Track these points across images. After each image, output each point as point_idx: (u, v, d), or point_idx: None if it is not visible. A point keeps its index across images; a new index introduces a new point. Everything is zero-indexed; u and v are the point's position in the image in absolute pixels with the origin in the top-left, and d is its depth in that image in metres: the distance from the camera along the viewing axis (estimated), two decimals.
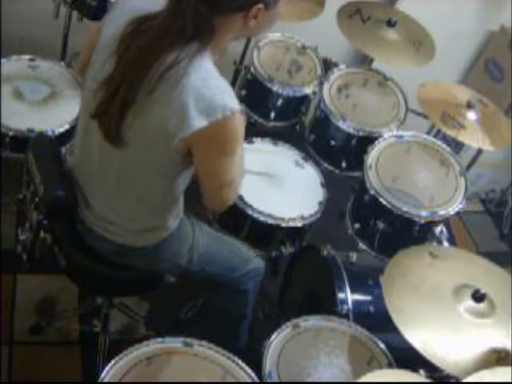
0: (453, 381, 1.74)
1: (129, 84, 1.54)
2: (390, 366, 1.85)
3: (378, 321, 2.05)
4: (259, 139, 2.55)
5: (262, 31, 1.70)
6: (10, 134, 2.20)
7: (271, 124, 2.84)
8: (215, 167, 1.65)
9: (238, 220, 2.31)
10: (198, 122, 1.52)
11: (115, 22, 1.62)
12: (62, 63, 2.54)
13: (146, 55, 1.53)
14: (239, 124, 1.58)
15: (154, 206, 1.79)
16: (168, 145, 1.57)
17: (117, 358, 1.60)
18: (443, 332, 1.71)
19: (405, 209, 2.32)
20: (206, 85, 1.54)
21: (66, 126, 2.26)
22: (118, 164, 1.69)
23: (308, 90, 2.79)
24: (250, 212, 2.26)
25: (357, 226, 2.48)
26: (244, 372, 1.67)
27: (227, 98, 1.54)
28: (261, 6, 1.55)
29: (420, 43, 2.79)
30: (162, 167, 1.67)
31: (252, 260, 2.12)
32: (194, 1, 1.49)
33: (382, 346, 1.90)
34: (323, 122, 2.72)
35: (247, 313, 2.23)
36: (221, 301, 2.19)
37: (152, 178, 1.70)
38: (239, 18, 1.57)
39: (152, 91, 1.53)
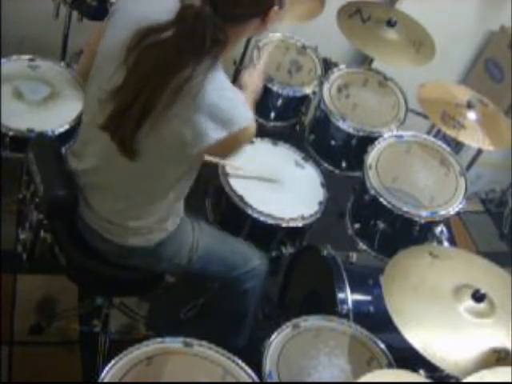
0: (453, 381, 1.74)
1: (146, 98, 1.52)
2: (390, 366, 1.85)
3: (377, 321, 2.05)
4: (259, 139, 2.55)
5: (269, 28, 1.70)
6: (10, 133, 2.20)
7: (271, 124, 2.84)
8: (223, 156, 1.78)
9: (238, 220, 2.30)
10: (216, 134, 1.55)
11: (119, 29, 1.60)
12: (62, 63, 2.53)
13: (164, 71, 1.51)
14: (253, 132, 1.65)
15: (156, 207, 1.79)
16: (184, 155, 1.60)
17: (117, 358, 1.60)
18: (443, 332, 1.71)
19: (405, 209, 2.32)
20: (222, 97, 1.55)
21: (66, 126, 2.26)
22: (123, 170, 1.69)
23: (308, 90, 2.79)
24: (249, 212, 2.26)
25: (357, 226, 2.48)
26: (244, 372, 1.68)
27: (243, 110, 1.59)
28: (276, 7, 1.56)
29: (420, 43, 2.79)
30: (171, 172, 1.68)
31: (253, 259, 2.12)
32: (211, 14, 1.48)
33: (382, 346, 1.90)
34: (323, 122, 2.72)
35: (248, 312, 2.23)
36: (222, 299, 2.20)
37: (158, 181, 1.71)
38: (256, 22, 1.58)
39: (170, 105, 1.52)
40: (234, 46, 1.61)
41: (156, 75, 1.52)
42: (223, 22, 1.50)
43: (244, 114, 1.57)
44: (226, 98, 1.56)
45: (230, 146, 1.63)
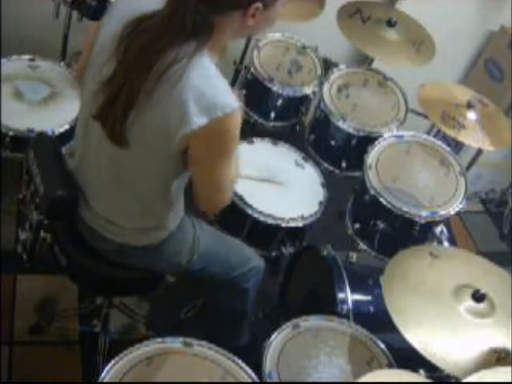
0: (453, 381, 1.74)
1: (131, 84, 1.54)
2: (390, 366, 1.85)
3: (378, 321, 2.05)
4: (259, 139, 2.56)
5: (260, 30, 1.70)
6: (10, 133, 2.20)
7: (271, 124, 2.84)
8: (211, 167, 1.65)
9: (238, 220, 2.31)
10: (199, 120, 1.52)
11: (112, 23, 1.62)
12: (62, 63, 2.54)
13: (147, 54, 1.53)
14: (238, 122, 1.58)
15: (154, 206, 1.79)
16: (169, 143, 1.58)
17: (117, 358, 1.60)
18: (443, 332, 1.71)
19: (405, 209, 2.32)
20: (207, 83, 1.54)
21: (66, 126, 2.26)
22: (117, 163, 1.69)
23: (308, 90, 2.79)
24: (250, 212, 2.26)
25: (357, 226, 2.48)
26: (244, 372, 1.68)
27: (227, 96, 1.55)
28: (259, 5, 1.55)
29: (420, 43, 2.79)
30: (162, 166, 1.67)
31: (252, 259, 2.12)
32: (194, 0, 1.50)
33: (382, 346, 1.90)
34: (323, 122, 2.72)
35: (247, 311, 2.23)
36: (222, 299, 2.20)
37: (151, 177, 1.70)
38: (237, 17, 1.57)
39: (153, 91, 1.53)
40: (223, 37, 1.60)
41: (140, 59, 1.53)
42: (207, 9, 1.51)
43: (228, 101, 1.53)
44: (210, 83, 1.55)
45: (216, 135, 1.57)
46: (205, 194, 1.72)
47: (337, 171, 2.74)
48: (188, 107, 1.52)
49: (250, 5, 1.55)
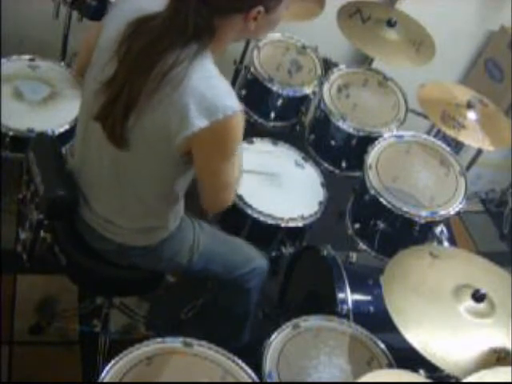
0: (453, 381, 1.74)
1: (131, 85, 1.54)
2: (390, 366, 1.85)
3: (378, 321, 2.05)
4: (259, 139, 2.55)
5: (261, 34, 1.71)
6: (10, 133, 2.20)
7: (271, 124, 2.84)
8: (215, 168, 1.65)
9: (238, 220, 2.31)
10: (200, 122, 1.52)
11: (114, 24, 1.62)
12: (62, 63, 2.53)
13: (148, 55, 1.53)
14: (240, 124, 1.58)
15: (154, 207, 1.79)
16: (169, 145, 1.58)
17: (117, 358, 1.60)
18: (443, 332, 1.71)
19: (405, 209, 2.32)
20: (208, 85, 1.54)
21: (66, 126, 2.26)
22: (118, 164, 1.69)
23: (308, 90, 2.79)
24: (249, 212, 2.26)
25: (357, 226, 2.48)
26: (244, 372, 1.68)
27: (228, 98, 1.55)
28: (261, 8, 1.55)
29: (420, 43, 2.79)
30: (162, 167, 1.67)
31: (254, 258, 2.12)
32: (195, 1, 1.49)
33: (382, 346, 1.90)
34: (323, 122, 2.72)
35: (250, 311, 2.23)
36: (224, 299, 2.20)
37: (152, 178, 1.70)
38: (239, 20, 1.57)
39: (154, 92, 1.53)
40: (225, 39, 1.60)
41: (142, 60, 1.53)
42: (208, 11, 1.51)
43: (229, 103, 1.54)
44: (211, 85, 1.55)
45: (218, 136, 1.57)
46: (209, 194, 1.73)
47: (337, 171, 2.74)
48: (189, 110, 1.52)
49: (251, 8, 1.54)
